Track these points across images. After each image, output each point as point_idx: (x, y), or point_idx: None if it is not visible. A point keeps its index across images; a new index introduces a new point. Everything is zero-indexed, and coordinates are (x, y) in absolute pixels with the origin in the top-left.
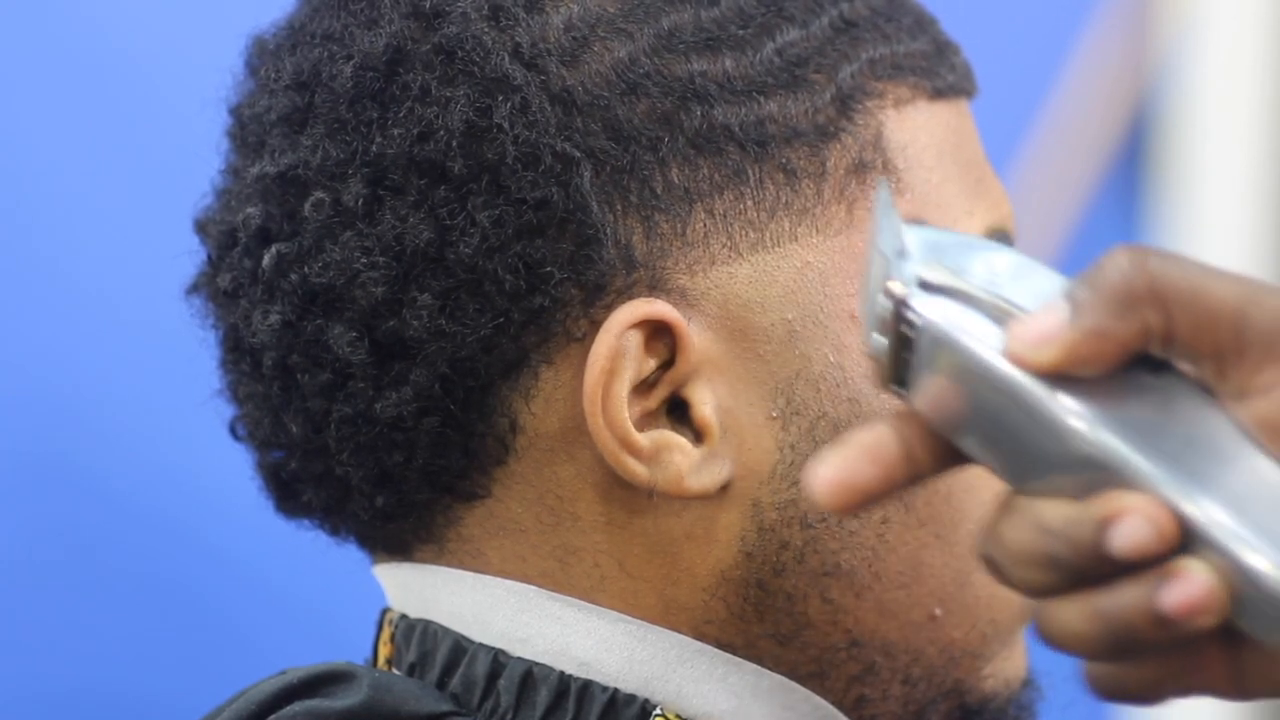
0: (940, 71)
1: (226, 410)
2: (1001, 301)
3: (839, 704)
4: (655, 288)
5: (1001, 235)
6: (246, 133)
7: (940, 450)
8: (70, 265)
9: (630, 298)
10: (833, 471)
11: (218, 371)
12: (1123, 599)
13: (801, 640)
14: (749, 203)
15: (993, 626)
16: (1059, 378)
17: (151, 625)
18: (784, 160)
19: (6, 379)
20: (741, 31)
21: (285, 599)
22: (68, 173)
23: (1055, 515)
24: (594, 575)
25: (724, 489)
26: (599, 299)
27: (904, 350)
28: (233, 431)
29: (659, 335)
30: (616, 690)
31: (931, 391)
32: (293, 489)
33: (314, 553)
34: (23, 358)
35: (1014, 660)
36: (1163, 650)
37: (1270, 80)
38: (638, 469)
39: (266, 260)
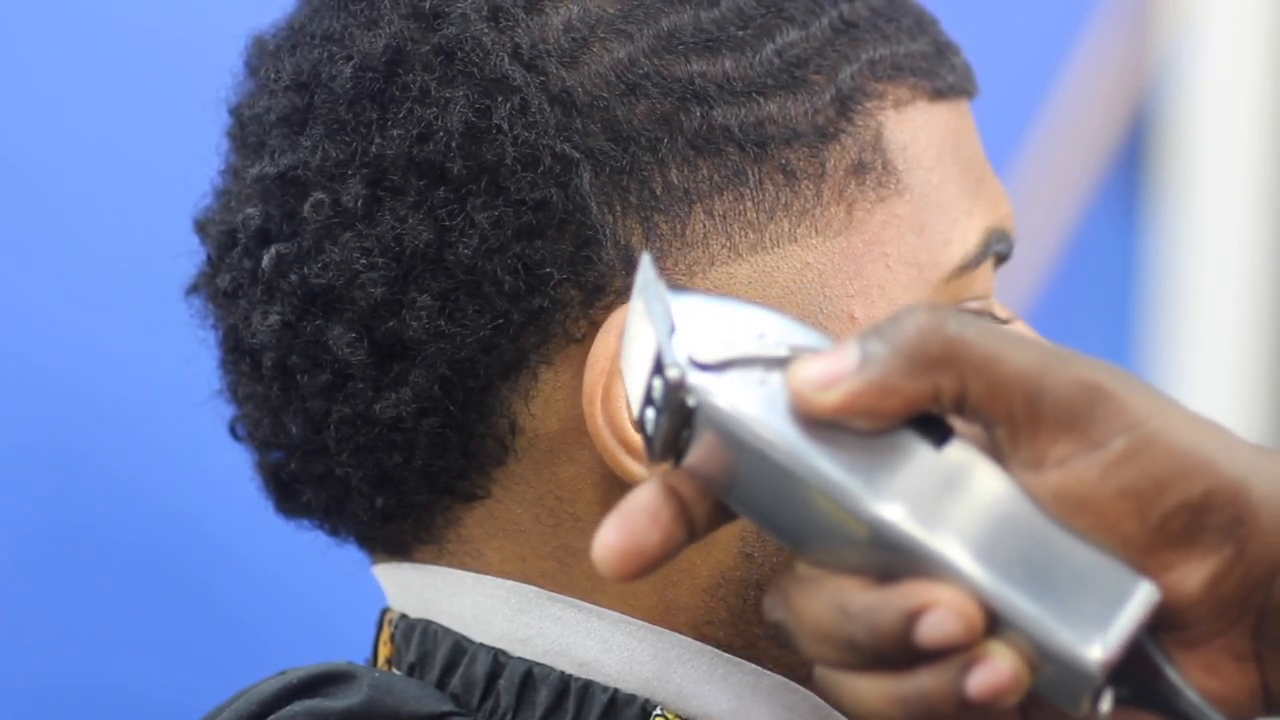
0: (940, 72)
1: (226, 410)
2: (782, 351)
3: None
4: None
5: (1001, 235)
6: (246, 133)
7: (715, 507)
8: (70, 265)
9: (630, 298)
10: (618, 538)
11: (217, 372)
12: (925, 684)
13: None
14: (748, 204)
15: None
16: (844, 452)
17: (152, 625)
18: (783, 161)
19: (6, 380)
20: (741, 32)
21: (286, 598)
22: (68, 172)
23: (856, 601)
24: (594, 576)
25: None
26: (598, 300)
27: (683, 427)
28: (232, 432)
29: None
30: (616, 690)
31: (712, 465)
32: (292, 489)
33: (314, 552)
34: (23, 358)
35: None
36: None
37: (1270, 80)
38: (637, 470)
39: (266, 261)
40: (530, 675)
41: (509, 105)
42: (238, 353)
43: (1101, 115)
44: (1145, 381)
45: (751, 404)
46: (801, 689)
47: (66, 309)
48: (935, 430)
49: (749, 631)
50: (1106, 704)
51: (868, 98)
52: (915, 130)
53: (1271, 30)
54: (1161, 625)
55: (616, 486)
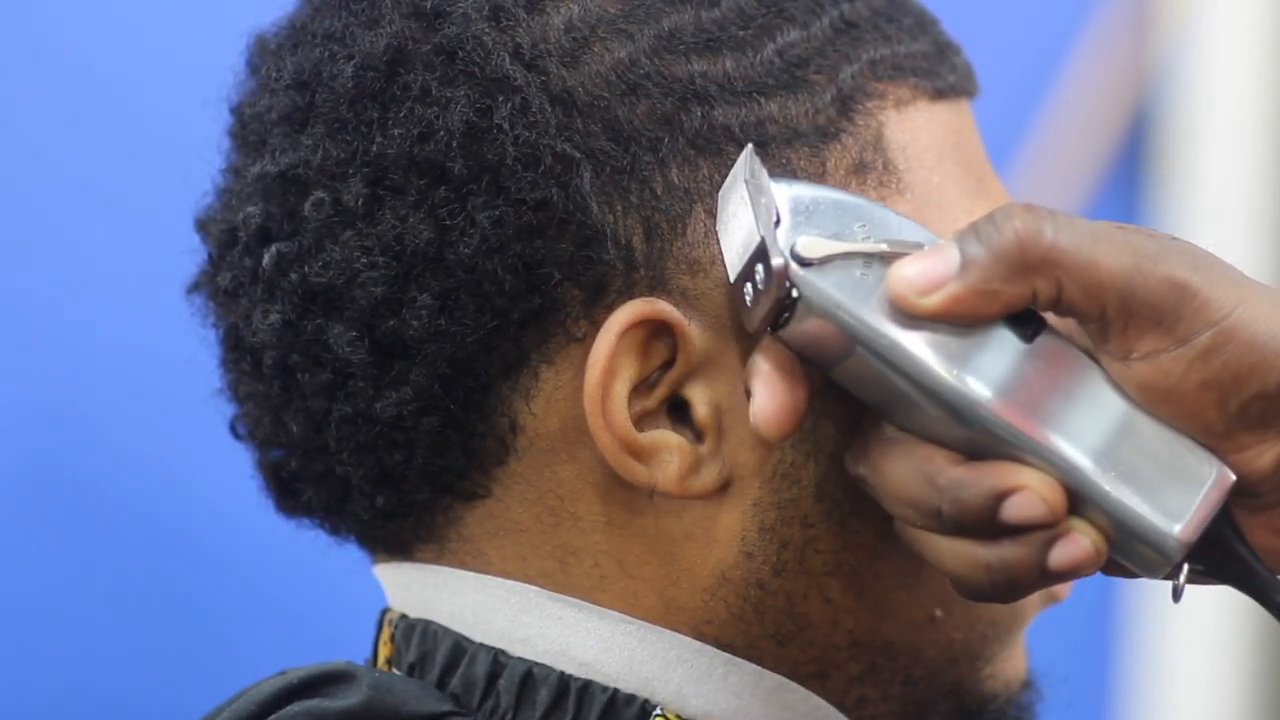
0: (941, 72)
1: (227, 409)
2: (881, 245)
3: (840, 704)
4: (656, 288)
5: None
6: (248, 132)
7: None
8: (71, 264)
9: (631, 298)
10: (772, 401)
11: (218, 370)
12: (1009, 554)
13: (802, 640)
14: None
15: (992, 628)
16: (941, 343)
17: (152, 625)
18: (784, 161)
19: (7, 378)
20: (742, 32)
21: (285, 599)
22: (69, 172)
23: (945, 474)
24: (594, 575)
25: (724, 489)
26: (599, 299)
27: (783, 309)
28: (233, 430)
29: (659, 335)
30: (616, 690)
31: (809, 343)
32: (293, 488)
33: (314, 553)
34: (23, 357)
35: (1014, 661)
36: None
37: (1270, 80)
38: (638, 469)
39: (267, 259)
40: (530, 675)
41: (510, 105)
42: (238, 351)
43: (1101, 115)
44: (1230, 269)
45: (850, 295)
46: (801, 689)
47: (68, 307)
48: (1027, 322)
49: (749, 631)
50: (1183, 577)
51: (868, 98)
52: (916, 130)
53: (1271, 30)
54: (1233, 495)
55: (617, 486)
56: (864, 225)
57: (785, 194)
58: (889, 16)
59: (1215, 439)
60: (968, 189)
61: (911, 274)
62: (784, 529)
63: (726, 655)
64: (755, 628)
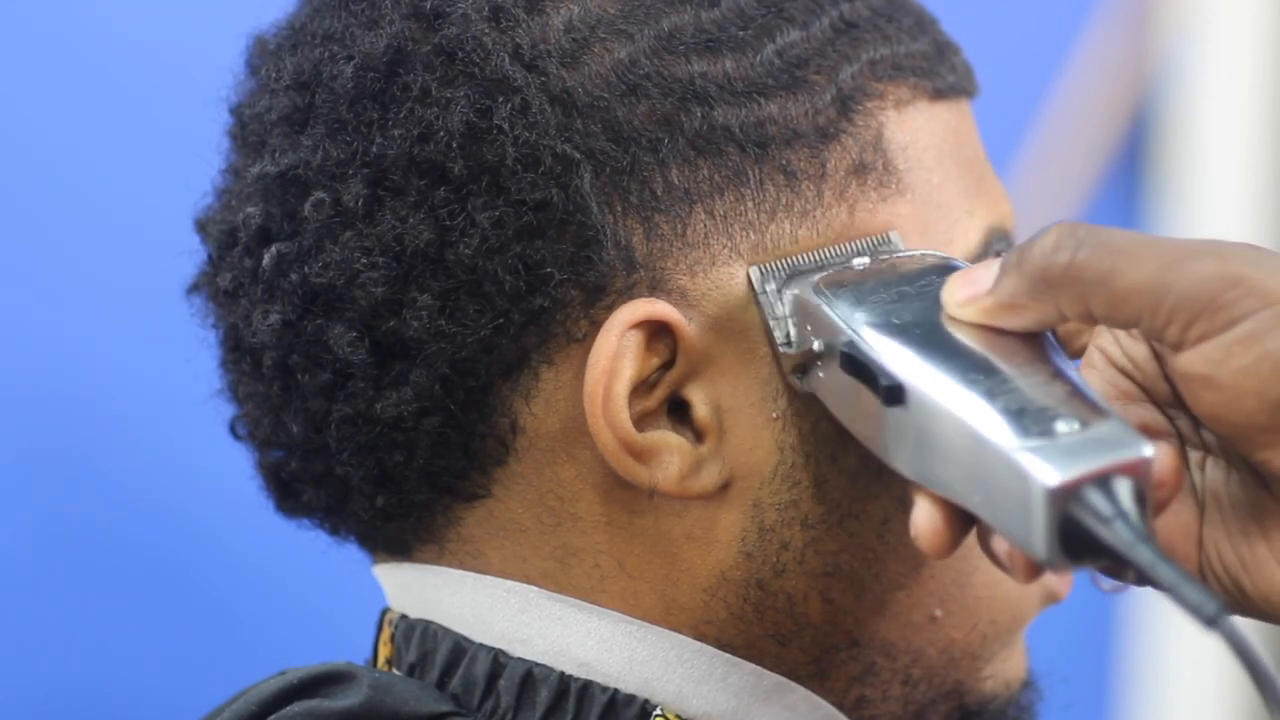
0: (940, 72)
1: (226, 410)
2: (838, 347)
3: (839, 704)
4: (656, 288)
5: (1002, 234)
6: (247, 132)
7: None
8: (71, 265)
9: (631, 298)
10: (930, 524)
11: (218, 371)
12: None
13: (802, 640)
14: (749, 204)
15: (992, 627)
16: (864, 426)
17: (152, 626)
18: (784, 161)
19: (8, 378)
20: (742, 33)
21: (286, 599)
22: (69, 172)
23: None
24: (594, 575)
25: (724, 489)
26: (599, 300)
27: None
28: (233, 431)
29: (659, 335)
30: (616, 690)
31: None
32: (293, 489)
33: (314, 553)
34: (24, 357)
35: (1013, 661)
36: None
37: (1270, 80)
38: (638, 469)
39: (267, 260)
40: (530, 675)
41: (510, 105)
42: (238, 352)
43: (1101, 115)
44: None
45: (823, 390)
46: (801, 689)
47: (68, 308)
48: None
49: (749, 631)
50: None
51: (868, 98)
52: (916, 130)
53: (1271, 30)
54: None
55: (617, 486)
56: (834, 328)
57: (788, 301)
58: (889, 17)
59: (1256, 430)
60: (968, 188)
61: (957, 289)
62: (784, 530)
63: (726, 655)
64: (755, 628)
